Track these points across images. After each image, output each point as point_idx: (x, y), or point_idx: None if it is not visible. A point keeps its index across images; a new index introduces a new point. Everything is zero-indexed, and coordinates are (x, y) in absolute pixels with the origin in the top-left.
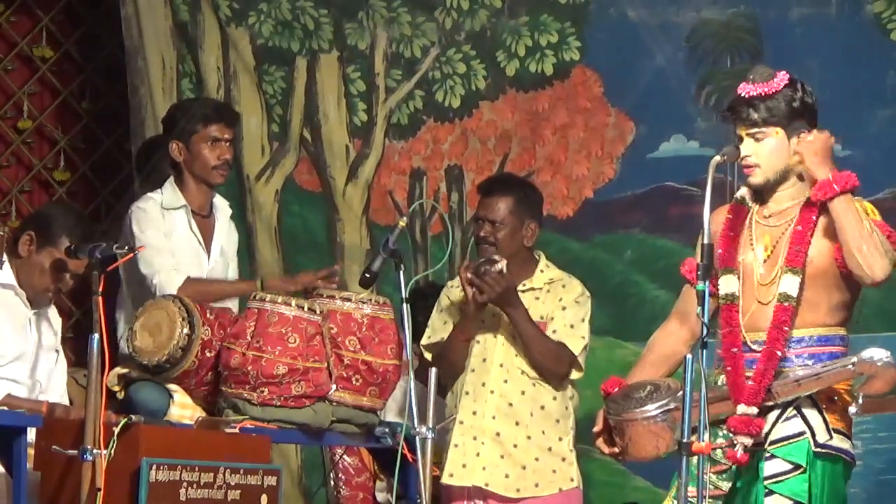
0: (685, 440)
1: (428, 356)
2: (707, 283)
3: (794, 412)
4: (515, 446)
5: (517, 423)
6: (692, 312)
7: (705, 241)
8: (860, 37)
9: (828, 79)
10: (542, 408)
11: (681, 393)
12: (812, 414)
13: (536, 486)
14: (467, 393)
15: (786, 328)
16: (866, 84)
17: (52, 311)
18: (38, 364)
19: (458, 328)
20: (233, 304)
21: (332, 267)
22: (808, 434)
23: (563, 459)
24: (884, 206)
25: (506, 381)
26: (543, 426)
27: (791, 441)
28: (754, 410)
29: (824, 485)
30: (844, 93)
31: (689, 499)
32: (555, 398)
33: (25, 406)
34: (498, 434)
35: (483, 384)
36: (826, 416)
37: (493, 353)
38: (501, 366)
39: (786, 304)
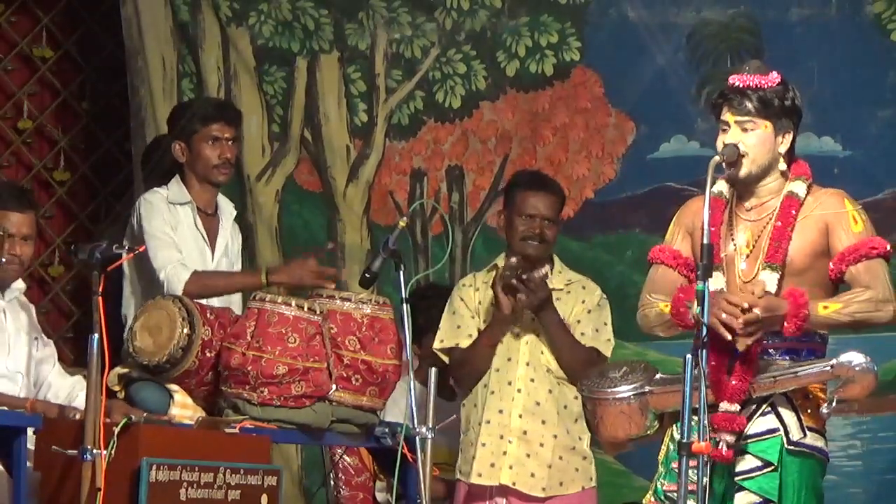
0: (685, 440)
1: (445, 359)
2: (706, 283)
3: (769, 409)
4: (542, 445)
5: (543, 422)
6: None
7: (705, 241)
8: (860, 37)
9: (828, 79)
10: (566, 407)
11: (657, 377)
12: (786, 411)
13: (561, 484)
14: (493, 392)
15: None
16: (866, 84)
17: (23, 300)
18: (12, 354)
19: (487, 335)
20: (236, 304)
21: (333, 269)
22: (782, 431)
23: (585, 458)
24: (884, 206)
25: (532, 380)
26: (567, 425)
27: (764, 438)
28: (736, 408)
29: (798, 483)
30: (844, 93)
31: (669, 493)
32: (576, 397)
33: (6, 402)
34: (525, 433)
35: (509, 383)
36: (800, 413)
37: (518, 351)
38: (528, 364)
39: None
